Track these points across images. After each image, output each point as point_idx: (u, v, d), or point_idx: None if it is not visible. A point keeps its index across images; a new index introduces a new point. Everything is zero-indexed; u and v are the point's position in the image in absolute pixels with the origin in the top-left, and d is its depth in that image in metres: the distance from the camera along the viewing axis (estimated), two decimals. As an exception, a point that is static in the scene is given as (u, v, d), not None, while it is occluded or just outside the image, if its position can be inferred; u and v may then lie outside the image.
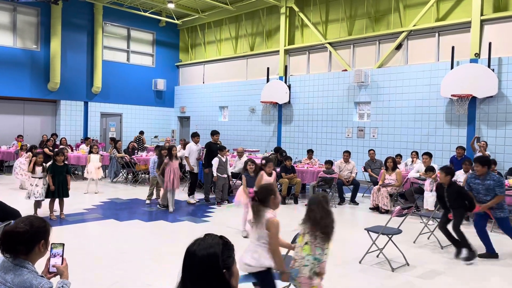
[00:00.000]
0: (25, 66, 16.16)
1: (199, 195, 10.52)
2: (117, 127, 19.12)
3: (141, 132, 16.48)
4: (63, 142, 14.42)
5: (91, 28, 17.70)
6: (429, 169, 8.52)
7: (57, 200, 7.98)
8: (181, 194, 10.55)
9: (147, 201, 9.73)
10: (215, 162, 9.65)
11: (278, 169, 10.65)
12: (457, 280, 5.22)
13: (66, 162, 8.32)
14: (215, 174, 9.60)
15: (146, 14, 18.33)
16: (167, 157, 8.99)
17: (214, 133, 10.37)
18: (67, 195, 8.01)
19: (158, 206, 9.29)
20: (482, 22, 11.43)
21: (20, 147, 12.87)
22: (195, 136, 10.23)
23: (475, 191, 6.21)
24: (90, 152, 11.34)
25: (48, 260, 2.46)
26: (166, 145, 12.50)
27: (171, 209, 8.85)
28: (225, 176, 9.84)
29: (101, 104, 18.34)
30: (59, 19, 16.43)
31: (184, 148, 12.22)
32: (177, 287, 1.84)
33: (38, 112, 17.27)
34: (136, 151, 14.26)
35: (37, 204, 7.98)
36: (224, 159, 9.80)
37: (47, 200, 7.99)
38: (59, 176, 7.85)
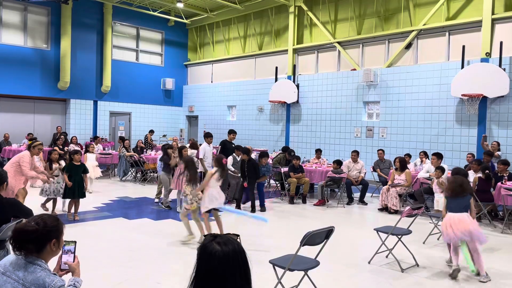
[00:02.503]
0: (35, 65, 16.31)
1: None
2: (126, 126, 19.23)
3: (151, 131, 16.54)
4: (74, 140, 14.52)
5: (101, 28, 17.81)
6: (438, 168, 8.43)
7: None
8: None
9: (156, 200, 9.77)
10: (229, 160, 9.68)
11: (286, 169, 10.66)
12: (467, 281, 5.17)
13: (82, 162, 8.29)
14: (232, 168, 9.68)
15: (155, 13, 18.41)
16: (178, 157, 8.97)
17: (231, 132, 10.43)
18: (84, 196, 7.88)
19: (160, 204, 9.25)
20: (493, 21, 11.30)
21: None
22: (208, 136, 10.22)
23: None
24: (87, 151, 11.30)
25: (60, 257, 2.47)
26: (173, 144, 12.57)
27: (178, 209, 8.84)
28: (239, 175, 9.79)
29: (110, 103, 18.45)
30: (69, 18, 16.56)
31: (192, 148, 12.25)
32: None
33: (48, 111, 17.43)
34: (144, 149, 14.33)
35: (47, 202, 8.02)
36: (238, 159, 9.79)
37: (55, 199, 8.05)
38: (76, 176, 7.72)
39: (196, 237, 6.56)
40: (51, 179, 7.77)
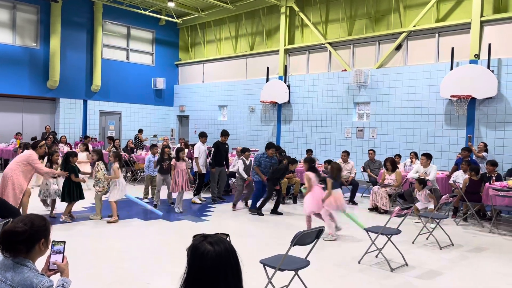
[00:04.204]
0: (24, 63, 16.13)
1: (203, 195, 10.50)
2: (116, 126, 19.10)
3: (140, 131, 16.45)
4: (63, 140, 14.40)
5: (91, 26, 17.67)
6: (419, 182, 8.50)
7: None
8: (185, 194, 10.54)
9: (145, 200, 9.72)
10: (240, 165, 9.49)
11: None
12: (456, 281, 5.23)
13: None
14: (245, 176, 9.40)
15: (146, 12, 18.31)
16: (174, 159, 8.84)
17: (224, 133, 10.29)
18: (83, 197, 7.93)
19: (169, 204, 9.15)
20: (482, 23, 11.43)
21: (18, 145, 12.85)
22: (203, 136, 10.16)
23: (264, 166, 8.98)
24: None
25: (49, 257, 2.45)
26: (164, 144, 12.52)
27: (177, 210, 8.79)
28: (246, 177, 9.50)
29: (100, 102, 18.32)
30: (59, 17, 16.40)
31: (184, 147, 12.21)
32: None
33: (37, 110, 17.25)
34: (135, 149, 14.24)
35: (46, 204, 7.96)
36: (248, 162, 9.58)
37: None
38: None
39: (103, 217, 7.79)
40: (54, 179, 7.83)
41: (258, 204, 8.88)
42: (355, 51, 14.35)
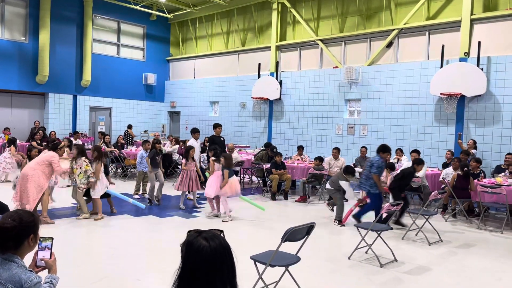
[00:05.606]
0: (13, 58, 15.91)
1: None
2: (106, 121, 18.95)
3: (129, 126, 16.34)
4: (52, 136, 14.27)
5: (81, 21, 17.48)
6: (389, 167, 8.71)
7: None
8: (173, 189, 10.51)
9: (135, 196, 9.68)
10: (344, 184, 8.48)
11: (268, 165, 10.68)
12: (444, 276, 5.29)
13: None
14: (355, 197, 8.76)
15: (137, 7, 18.16)
16: (184, 159, 8.82)
17: (217, 126, 10.19)
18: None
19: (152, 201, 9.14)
20: (472, 21, 11.52)
21: (7, 140, 12.70)
22: (196, 132, 10.08)
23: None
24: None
25: (36, 253, 2.42)
26: (154, 139, 12.46)
27: (181, 206, 8.79)
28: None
29: (90, 97, 18.15)
30: (48, 11, 16.19)
31: (175, 143, 12.17)
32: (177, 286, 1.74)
33: (26, 105, 17.04)
34: (125, 145, 14.16)
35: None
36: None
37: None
38: None
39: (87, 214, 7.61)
40: None
41: (387, 215, 7.08)
42: (346, 48, 14.38)
